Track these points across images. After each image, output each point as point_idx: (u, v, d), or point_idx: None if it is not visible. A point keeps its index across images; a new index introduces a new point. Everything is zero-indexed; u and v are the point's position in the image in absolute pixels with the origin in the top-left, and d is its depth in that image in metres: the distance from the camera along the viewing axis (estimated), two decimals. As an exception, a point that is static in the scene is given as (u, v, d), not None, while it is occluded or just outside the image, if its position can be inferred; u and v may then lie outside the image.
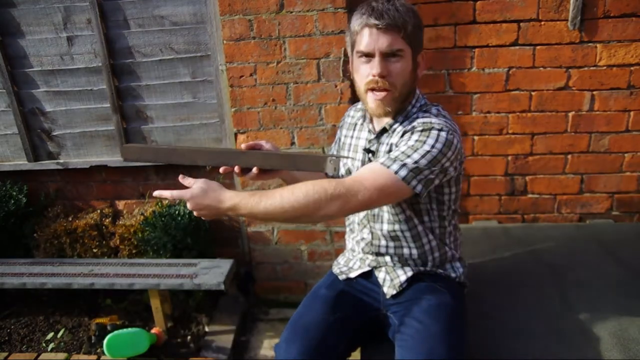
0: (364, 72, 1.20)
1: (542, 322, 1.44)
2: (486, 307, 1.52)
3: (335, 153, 1.53)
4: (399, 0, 1.18)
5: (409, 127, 1.21)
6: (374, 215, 1.35)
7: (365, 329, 1.38)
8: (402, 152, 1.14)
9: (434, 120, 1.19)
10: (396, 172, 1.10)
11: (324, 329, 1.27)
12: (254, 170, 1.19)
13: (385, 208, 1.32)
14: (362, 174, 1.14)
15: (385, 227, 1.33)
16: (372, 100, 1.22)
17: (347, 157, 1.40)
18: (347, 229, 1.49)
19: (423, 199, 1.25)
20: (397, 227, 1.32)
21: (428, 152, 1.13)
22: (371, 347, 1.41)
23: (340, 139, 1.50)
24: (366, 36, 1.17)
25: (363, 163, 1.35)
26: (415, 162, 1.11)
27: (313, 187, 1.07)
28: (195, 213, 1.16)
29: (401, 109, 1.27)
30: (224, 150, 1.21)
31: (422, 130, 1.17)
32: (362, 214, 1.38)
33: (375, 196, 1.09)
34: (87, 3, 2.22)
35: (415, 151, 1.13)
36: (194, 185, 1.16)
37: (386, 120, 1.29)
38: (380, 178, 1.10)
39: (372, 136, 1.33)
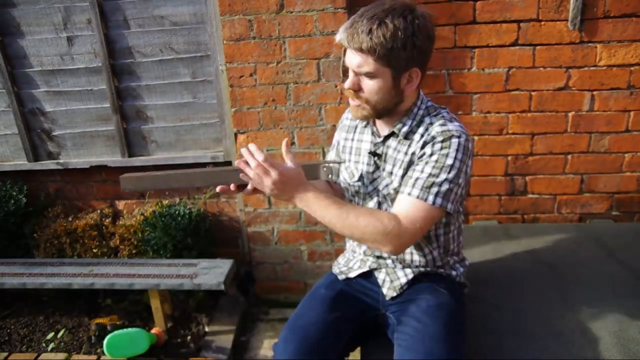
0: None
1: (542, 322, 1.44)
2: (486, 307, 1.52)
3: (332, 158, 1.52)
4: (387, 18, 1.10)
5: (428, 136, 1.21)
6: None
7: (364, 329, 1.38)
8: (431, 175, 1.16)
9: (450, 127, 1.19)
10: (433, 203, 1.16)
11: (322, 329, 1.27)
12: (249, 186, 1.21)
13: None
14: (408, 211, 1.16)
15: None
16: (350, 105, 1.27)
17: (339, 162, 1.42)
18: None
19: None
20: None
21: (452, 166, 1.16)
22: (370, 346, 1.41)
23: (338, 142, 1.47)
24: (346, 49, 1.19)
25: (369, 166, 1.34)
26: (445, 183, 1.16)
27: (375, 221, 1.15)
28: (268, 188, 1.16)
29: (405, 110, 1.26)
30: (217, 170, 1.27)
31: (442, 141, 1.17)
32: None
33: (424, 230, 1.19)
34: (87, 3, 2.22)
35: (441, 170, 1.16)
36: (290, 164, 1.19)
37: (392, 123, 1.27)
38: (424, 212, 1.17)
39: (378, 139, 1.32)
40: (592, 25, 2.00)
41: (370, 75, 1.16)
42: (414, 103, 1.27)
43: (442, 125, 1.21)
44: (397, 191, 1.26)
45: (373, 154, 1.32)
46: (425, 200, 1.16)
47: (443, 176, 1.16)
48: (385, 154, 1.30)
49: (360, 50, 1.13)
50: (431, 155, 1.18)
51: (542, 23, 2.02)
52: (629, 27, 1.98)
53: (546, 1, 1.98)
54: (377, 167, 1.32)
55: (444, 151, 1.17)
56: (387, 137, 1.30)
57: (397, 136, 1.27)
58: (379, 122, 1.33)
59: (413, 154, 1.23)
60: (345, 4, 1.97)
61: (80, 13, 2.27)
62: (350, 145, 1.41)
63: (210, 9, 2.15)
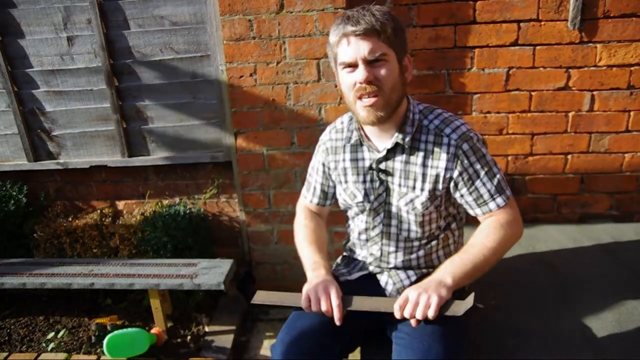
0: (350, 82, 1.17)
1: (542, 322, 1.44)
2: (486, 307, 1.52)
3: (320, 184, 1.45)
4: (374, 6, 1.16)
5: (451, 147, 1.22)
6: (388, 234, 1.34)
7: (364, 329, 1.37)
8: (491, 180, 1.24)
9: (458, 124, 1.24)
10: (510, 196, 1.28)
11: (320, 330, 1.27)
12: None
13: (413, 228, 1.31)
14: (514, 213, 1.28)
15: (401, 244, 1.34)
16: (361, 108, 1.18)
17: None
18: (351, 241, 1.47)
19: (445, 212, 1.32)
20: (412, 243, 1.33)
21: (490, 160, 1.26)
22: (371, 347, 1.40)
23: (324, 166, 1.42)
24: (345, 46, 1.14)
25: (373, 182, 1.31)
26: (500, 176, 1.26)
27: (495, 232, 1.24)
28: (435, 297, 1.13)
29: (401, 116, 1.25)
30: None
31: (470, 147, 1.23)
32: (373, 232, 1.36)
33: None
34: (87, 3, 2.22)
35: (489, 169, 1.25)
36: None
37: (392, 134, 1.25)
38: (516, 207, 1.30)
39: (379, 154, 1.28)
40: (592, 25, 2.00)
41: (383, 58, 1.13)
42: (407, 108, 1.26)
43: (450, 126, 1.23)
44: (425, 206, 1.26)
45: (380, 170, 1.29)
46: (508, 199, 1.26)
47: (490, 175, 1.24)
48: (392, 168, 1.28)
49: (372, 30, 1.11)
50: (472, 165, 1.23)
51: (542, 23, 2.02)
52: (629, 27, 1.98)
53: (546, 1, 1.98)
54: (382, 182, 1.31)
55: (479, 154, 1.24)
56: (390, 151, 1.27)
57: (404, 148, 1.25)
58: (373, 137, 1.29)
59: (441, 168, 1.23)
60: (345, 4, 1.97)
61: (80, 13, 2.27)
62: (344, 166, 1.36)
63: (210, 9, 2.15)
